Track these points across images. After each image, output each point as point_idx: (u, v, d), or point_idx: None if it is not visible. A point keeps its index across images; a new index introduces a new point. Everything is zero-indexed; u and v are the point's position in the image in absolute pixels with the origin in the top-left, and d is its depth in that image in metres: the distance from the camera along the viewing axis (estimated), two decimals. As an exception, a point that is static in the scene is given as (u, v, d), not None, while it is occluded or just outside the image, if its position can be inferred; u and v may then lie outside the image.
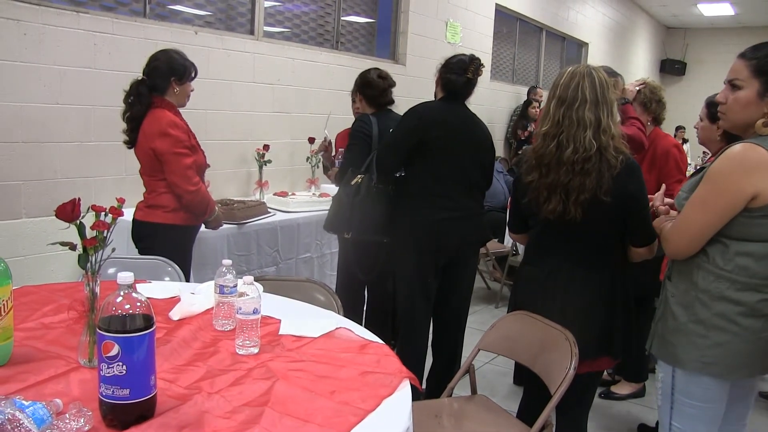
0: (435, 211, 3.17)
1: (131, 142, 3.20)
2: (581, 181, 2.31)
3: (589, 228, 2.39)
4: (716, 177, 1.98)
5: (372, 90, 3.66)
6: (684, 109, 10.41)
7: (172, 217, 3.16)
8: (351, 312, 3.76)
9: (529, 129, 8.27)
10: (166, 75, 3.14)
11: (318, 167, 4.91)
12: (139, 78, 3.17)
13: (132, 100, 3.14)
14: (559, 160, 2.34)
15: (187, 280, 3.00)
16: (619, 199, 2.33)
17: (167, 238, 3.14)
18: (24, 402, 1.30)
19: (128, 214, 2.94)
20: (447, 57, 3.30)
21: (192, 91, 3.28)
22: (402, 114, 3.29)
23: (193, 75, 3.24)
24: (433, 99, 3.37)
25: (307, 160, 5.01)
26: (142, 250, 3.15)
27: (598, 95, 2.36)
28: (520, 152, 8.36)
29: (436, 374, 3.44)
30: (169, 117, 3.10)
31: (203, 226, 3.38)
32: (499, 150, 8.46)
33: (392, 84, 3.71)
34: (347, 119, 3.70)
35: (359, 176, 3.37)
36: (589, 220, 2.36)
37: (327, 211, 3.67)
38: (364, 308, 3.92)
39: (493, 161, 3.44)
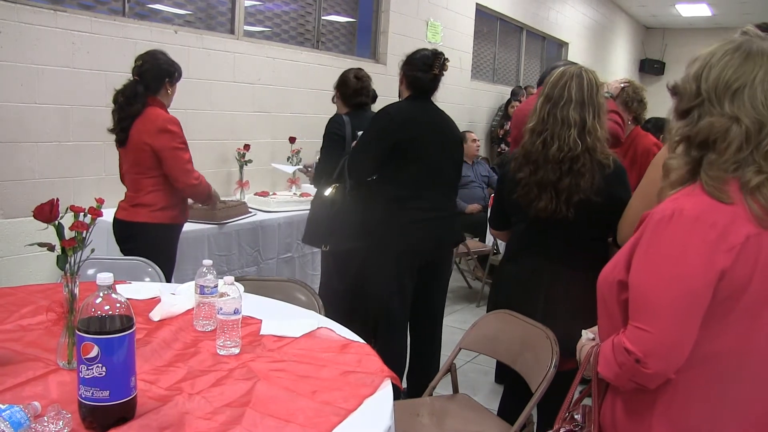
0: (409, 212, 3.12)
1: (122, 141, 3.17)
2: (575, 182, 2.35)
3: (575, 227, 2.41)
4: (650, 167, 2.15)
5: (345, 88, 3.66)
6: (663, 108, 10.43)
7: (157, 215, 3.14)
8: (332, 315, 3.75)
9: (504, 127, 8.31)
10: (161, 76, 3.17)
11: (299, 167, 4.90)
12: (134, 78, 3.16)
13: (127, 99, 3.11)
14: (546, 158, 2.38)
15: (170, 280, 2.99)
16: (608, 201, 2.36)
17: (152, 238, 3.12)
18: (0, 405, 1.29)
19: (108, 214, 2.92)
20: (408, 53, 3.23)
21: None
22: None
23: (179, 76, 3.29)
24: (398, 98, 3.31)
25: (288, 159, 4.98)
26: (126, 251, 3.12)
27: (585, 96, 2.39)
28: (499, 149, 8.41)
29: (414, 374, 3.43)
30: (166, 115, 3.16)
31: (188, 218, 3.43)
32: (483, 149, 8.48)
33: (366, 86, 3.67)
34: (324, 119, 3.68)
35: (332, 186, 3.35)
36: (576, 220, 2.38)
37: (308, 211, 3.66)
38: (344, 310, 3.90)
39: (462, 157, 3.45)
